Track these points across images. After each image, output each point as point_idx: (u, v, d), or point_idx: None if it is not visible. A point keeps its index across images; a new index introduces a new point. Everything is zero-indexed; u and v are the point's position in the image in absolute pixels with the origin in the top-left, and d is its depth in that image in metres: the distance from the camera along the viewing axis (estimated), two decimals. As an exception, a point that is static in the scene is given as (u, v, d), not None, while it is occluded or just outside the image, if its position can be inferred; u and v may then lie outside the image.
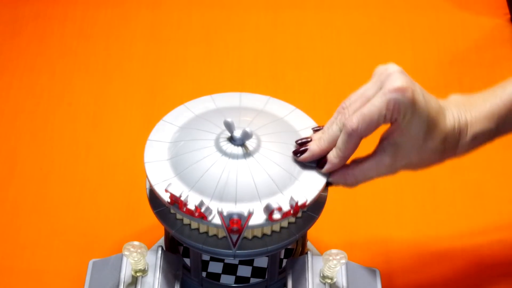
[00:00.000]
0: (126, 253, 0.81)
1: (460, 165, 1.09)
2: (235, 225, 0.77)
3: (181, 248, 0.91)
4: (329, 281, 0.83)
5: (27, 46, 1.22)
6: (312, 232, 0.99)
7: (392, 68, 0.79)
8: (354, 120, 0.78)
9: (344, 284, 0.83)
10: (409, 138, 0.80)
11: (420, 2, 1.30)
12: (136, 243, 0.81)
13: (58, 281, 0.96)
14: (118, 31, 1.25)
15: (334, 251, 0.81)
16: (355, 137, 0.79)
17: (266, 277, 0.90)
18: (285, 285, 0.86)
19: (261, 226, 0.79)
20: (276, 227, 0.82)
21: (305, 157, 0.82)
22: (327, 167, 0.82)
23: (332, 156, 0.81)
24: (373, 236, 1.01)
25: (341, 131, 0.80)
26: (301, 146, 0.83)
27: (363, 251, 0.99)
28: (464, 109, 0.83)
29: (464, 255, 1.00)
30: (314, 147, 0.82)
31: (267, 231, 0.82)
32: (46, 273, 0.96)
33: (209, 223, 0.79)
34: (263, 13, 1.28)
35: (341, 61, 1.18)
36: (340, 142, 0.80)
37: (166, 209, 0.84)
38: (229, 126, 0.82)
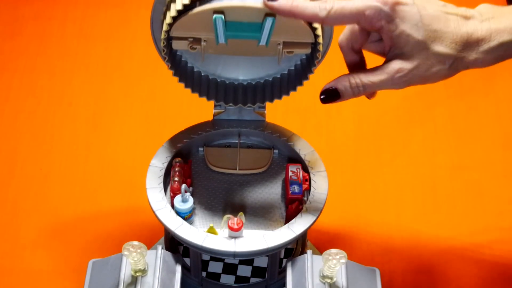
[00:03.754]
0: (126, 253, 0.81)
1: (460, 165, 1.09)
2: None
3: (181, 248, 0.91)
4: (329, 280, 0.83)
5: (27, 46, 1.22)
6: (312, 232, 0.99)
7: None
8: (328, 6, 0.77)
9: (344, 283, 0.83)
10: (407, 44, 0.78)
11: (420, 2, 1.30)
12: (135, 243, 0.81)
13: (58, 281, 0.96)
14: (118, 31, 1.25)
15: (334, 250, 0.81)
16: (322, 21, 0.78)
17: (266, 277, 0.90)
18: (285, 285, 0.86)
19: None
20: None
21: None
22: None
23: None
24: (373, 236, 1.01)
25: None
26: None
27: (363, 251, 0.99)
28: (491, 18, 0.80)
29: (464, 255, 0.99)
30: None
31: None
32: (46, 273, 0.96)
33: None
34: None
35: (340, 61, 1.17)
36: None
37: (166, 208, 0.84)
38: None
